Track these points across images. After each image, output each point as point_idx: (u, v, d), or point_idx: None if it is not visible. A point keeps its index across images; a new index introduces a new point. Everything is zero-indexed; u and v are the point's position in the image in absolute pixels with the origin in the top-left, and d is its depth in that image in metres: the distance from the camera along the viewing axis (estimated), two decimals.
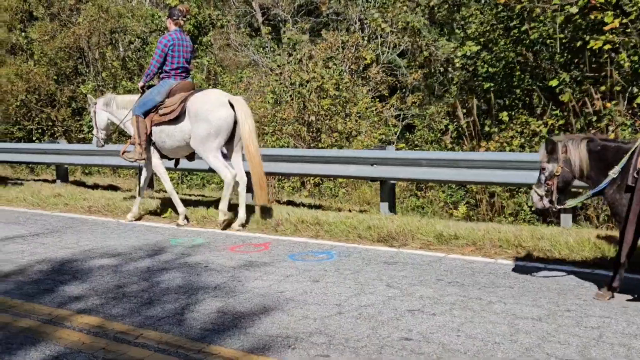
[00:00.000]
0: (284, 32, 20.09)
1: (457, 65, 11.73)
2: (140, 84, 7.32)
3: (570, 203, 4.28)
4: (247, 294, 4.28)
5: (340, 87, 13.06)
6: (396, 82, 17.12)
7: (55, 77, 17.19)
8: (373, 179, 7.82)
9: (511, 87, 11.14)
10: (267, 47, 21.03)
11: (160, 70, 7.06)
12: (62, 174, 11.44)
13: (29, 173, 15.14)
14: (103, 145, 8.19)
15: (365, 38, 17.59)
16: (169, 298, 4.25)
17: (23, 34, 18.28)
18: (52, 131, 18.18)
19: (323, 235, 6.34)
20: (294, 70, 13.08)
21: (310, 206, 8.42)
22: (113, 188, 11.00)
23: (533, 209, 7.21)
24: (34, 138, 18.35)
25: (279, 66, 13.75)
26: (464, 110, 11.24)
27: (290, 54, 20.05)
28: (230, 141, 6.81)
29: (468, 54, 11.34)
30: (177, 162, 7.67)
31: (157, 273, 4.96)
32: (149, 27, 18.13)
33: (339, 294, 4.24)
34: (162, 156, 7.31)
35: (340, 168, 7.71)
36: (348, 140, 13.28)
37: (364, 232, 6.16)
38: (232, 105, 6.64)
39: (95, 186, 11.34)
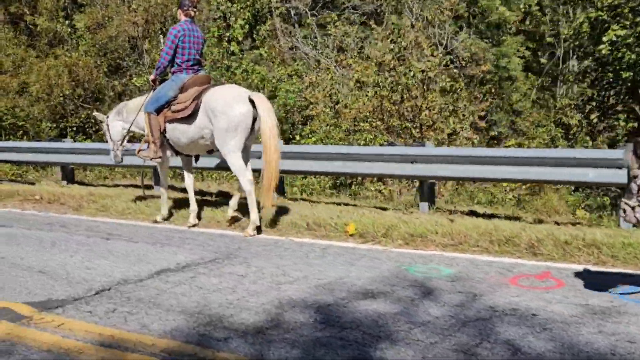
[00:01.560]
0: (333, 22, 18.71)
1: (604, 52, 10.29)
2: (151, 77, 7.00)
3: None
4: None
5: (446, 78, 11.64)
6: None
7: (105, 70, 15.55)
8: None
9: None
10: (314, 38, 19.57)
11: (171, 64, 6.74)
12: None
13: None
14: (121, 161, 7.76)
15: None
16: None
17: (67, 22, 16.62)
18: (95, 128, 16.58)
19: (608, 260, 4.84)
20: (399, 58, 11.56)
21: (485, 215, 6.92)
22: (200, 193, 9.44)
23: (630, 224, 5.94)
24: (68, 137, 16.78)
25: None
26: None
27: (341, 48, 18.68)
28: (248, 139, 6.43)
29: (614, 39, 9.96)
30: (197, 158, 7.28)
31: (483, 329, 3.39)
32: (207, 14, 16.59)
33: None
34: (178, 153, 7.00)
35: None
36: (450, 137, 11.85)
37: None
38: (252, 102, 6.25)
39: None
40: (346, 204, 8.06)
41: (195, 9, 6.91)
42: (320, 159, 7.76)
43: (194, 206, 7.03)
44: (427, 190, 7.09)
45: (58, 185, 10.18)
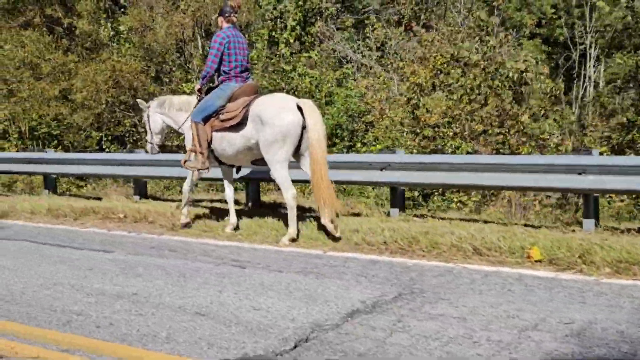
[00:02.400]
0: (372, 25, 17.88)
1: None
2: (197, 86, 6.82)
3: None
4: None
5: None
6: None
7: (152, 75, 14.62)
8: None
9: None
10: (356, 41, 18.68)
11: (218, 72, 6.61)
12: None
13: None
14: (158, 152, 7.66)
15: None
16: None
17: (109, 24, 15.72)
18: (135, 138, 15.67)
19: None
20: (488, 59, 10.63)
21: None
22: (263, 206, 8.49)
23: None
24: (104, 147, 15.89)
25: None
26: None
27: (380, 48, 17.83)
28: (297, 149, 6.20)
29: None
30: (238, 169, 7.23)
31: None
32: (254, 14, 15.72)
33: None
34: (221, 163, 6.84)
35: None
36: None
37: None
38: (300, 110, 6.04)
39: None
40: (469, 220, 7.15)
41: (236, 15, 6.79)
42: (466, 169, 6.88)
43: (233, 219, 6.91)
44: (592, 204, 6.15)
45: (131, 201, 9.24)
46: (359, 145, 13.89)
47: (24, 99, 15.28)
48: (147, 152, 7.91)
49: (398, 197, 7.31)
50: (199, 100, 6.76)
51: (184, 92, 14.42)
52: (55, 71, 14.97)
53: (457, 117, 10.85)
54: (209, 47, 6.64)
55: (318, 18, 16.72)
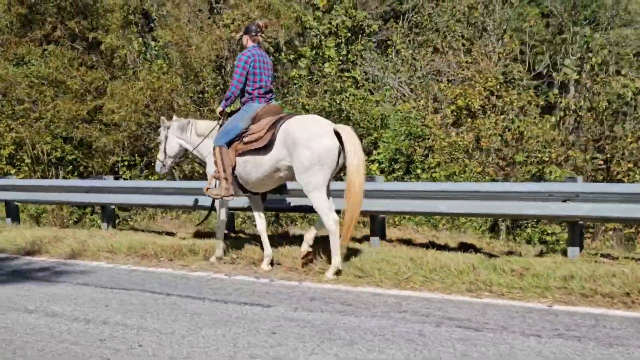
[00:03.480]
0: (396, 46, 17.09)
1: None
2: (220, 109, 6.54)
3: None
4: None
5: None
6: None
7: (191, 95, 13.32)
8: None
9: None
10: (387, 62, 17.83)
11: (241, 93, 6.34)
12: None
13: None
14: (166, 174, 7.34)
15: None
16: None
17: (141, 39, 14.42)
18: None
19: None
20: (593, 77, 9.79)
21: None
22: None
23: None
24: (121, 173, 14.48)
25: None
26: None
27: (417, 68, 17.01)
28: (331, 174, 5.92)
29: None
30: (264, 197, 6.75)
31: None
32: (293, 29, 14.69)
33: None
34: (245, 190, 6.47)
35: None
36: None
37: None
38: (337, 134, 5.75)
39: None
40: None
41: (262, 35, 6.58)
42: None
43: (268, 250, 6.47)
44: None
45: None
46: (418, 171, 12.87)
47: (43, 119, 13.84)
48: (157, 172, 7.41)
49: (577, 233, 6.32)
50: (221, 124, 6.49)
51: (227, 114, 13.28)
52: (82, 89, 13.58)
53: (553, 141, 9.95)
54: (235, 66, 6.30)
55: (360, 36, 15.78)
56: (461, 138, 12.43)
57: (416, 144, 13.43)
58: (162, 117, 7.46)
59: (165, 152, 7.17)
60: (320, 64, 14.82)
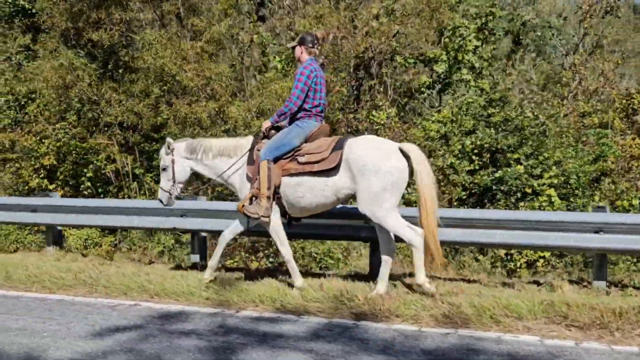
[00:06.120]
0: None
1: None
2: (267, 124, 6.03)
3: None
4: None
5: None
6: None
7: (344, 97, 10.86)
8: None
9: None
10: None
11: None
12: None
13: None
14: (173, 204, 6.52)
15: None
16: None
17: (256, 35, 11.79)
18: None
19: None
20: None
21: None
22: None
23: None
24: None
25: None
26: None
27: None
28: None
29: None
30: (297, 221, 6.23)
31: None
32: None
33: None
34: (285, 214, 6.01)
35: None
36: None
37: None
38: (403, 154, 5.54)
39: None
40: None
41: (319, 48, 6.32)
42: None
43: (301, 281, 5.93)
44: None
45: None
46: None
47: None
48: (162, 202, 6.45)
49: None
50: (261, 138, 6.03)
51: (374, 122, 11.01)
52: (197, 86, 10.85)
53: None
54: (295, 80, 5.84)
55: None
56: None
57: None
58: (167, 139, 6.60)
59: (173, 178, 6.36)
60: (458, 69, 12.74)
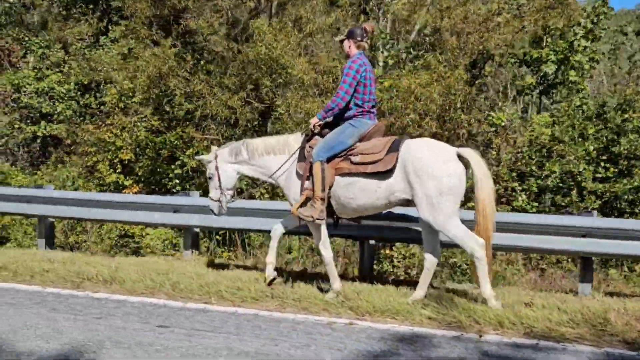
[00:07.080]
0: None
1: None
2: (315, 120, 5.78)
3: None
4: None
5: None
6: None
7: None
8: None
9: None
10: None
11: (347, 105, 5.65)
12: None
13: None
14: (225, 212, 6.25)
15: None
16: None
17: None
18: None
19: None
20: None
21: None
22: None
23: None
24: None
25: None
26: None
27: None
28: None
29: None
30: (337, 222, 5.97)
31: None
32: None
33: None
34: (332, 215, 5.82)
35: None
36: None
37: None
38: (461, 159, 5.36)
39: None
40: None
41: (368, 41, 5.98)
42: None
43: (337, 284, 5.76)
44: None
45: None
46: None
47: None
48: (214, 212, 6.29)
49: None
50: (311, 135, 5.80)
51: (497, 121, 10.38)
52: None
53: None
54: (343, 74, 5.63)
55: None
56: None
57: None
58: (212, 146, 6.58)
59: (220, 186, 6.17)
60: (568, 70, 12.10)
